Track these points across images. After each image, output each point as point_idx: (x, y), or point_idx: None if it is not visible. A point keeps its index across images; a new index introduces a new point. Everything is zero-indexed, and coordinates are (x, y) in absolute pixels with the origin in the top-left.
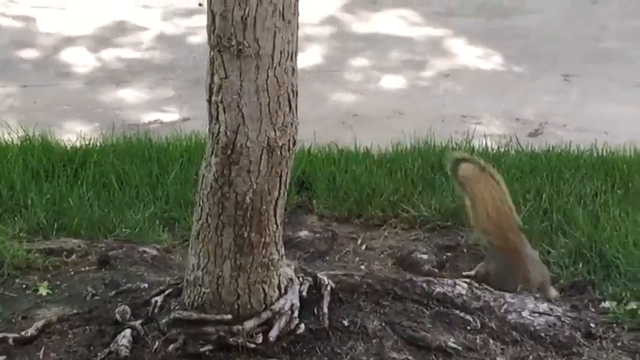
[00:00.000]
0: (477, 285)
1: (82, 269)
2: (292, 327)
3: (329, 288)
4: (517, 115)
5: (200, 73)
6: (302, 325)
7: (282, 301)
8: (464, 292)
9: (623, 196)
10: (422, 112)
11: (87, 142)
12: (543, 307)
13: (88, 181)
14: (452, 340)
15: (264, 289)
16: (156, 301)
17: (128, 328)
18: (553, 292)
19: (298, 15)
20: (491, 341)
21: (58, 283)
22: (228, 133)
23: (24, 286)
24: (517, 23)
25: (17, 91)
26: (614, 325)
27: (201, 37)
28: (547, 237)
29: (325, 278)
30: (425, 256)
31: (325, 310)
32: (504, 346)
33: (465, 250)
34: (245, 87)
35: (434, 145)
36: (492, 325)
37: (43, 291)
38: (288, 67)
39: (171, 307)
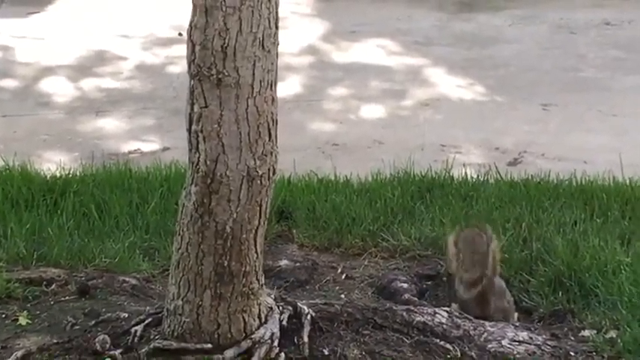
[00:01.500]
0: (457, 314)
1: (62, 299)
2: (272, 356)
3: (309, 317)
4: (496, 144)
5: (180, 103)
6: (282, 355)
7: (262, 330)
8: (444, 320)
9: (602, 225)
10: (401, 142)
11: (67, 172)
12: (523, 335)
13: (68, 211)
14: None
15: (244, 318)
16: (136, 331)
17: (108, 357)
18: (515, 318)
19: (278, 44)
20: None
21: (38, 312)
22: (208, 162)
23: (3, 315)
24: (496, 53)
25: None
26: (594, 353)
27: (181, 67)
28: (527, 266)
29: (305, 307)
30: (405, 285)
31: (305, 339)
32: None
33: (445, 278)
34: (225, 116)
35: (413, 174)
36: (472, 353)
37: (22, 321)
38: (268, 96)
39: (152, 337)
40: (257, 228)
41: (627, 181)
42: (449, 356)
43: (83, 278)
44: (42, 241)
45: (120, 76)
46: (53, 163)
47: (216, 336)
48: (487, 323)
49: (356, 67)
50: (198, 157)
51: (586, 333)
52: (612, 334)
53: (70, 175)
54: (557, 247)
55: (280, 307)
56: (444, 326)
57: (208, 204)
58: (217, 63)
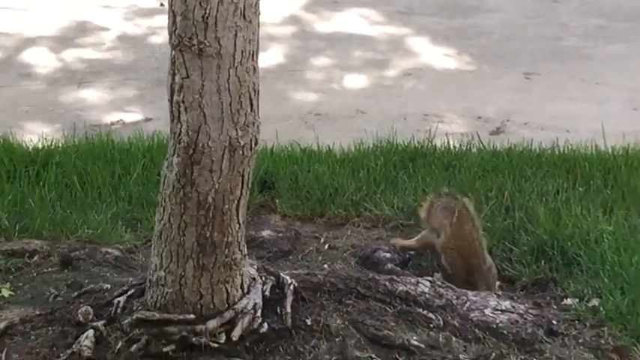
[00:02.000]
0: (439, 283)
1: (45, 270)
2: (255, 326)
3: (292, 287)
4: (479, 113)
5: (162, 73)
6: (265, 325)
7: (245, 300)
8: (426, 290)
9: (584, 194)
10: (384, 111)
11: (49, 143)
12: (506, 304)
13: (50, 182)
14: (415, 338)
15: (226, 289)
16: (118, 302)
17: (91, 328)
18: (496, 288)
19: (259, 14)
20: (454, 339)
21: (21, 284)
22: (190, 133)
23: None
24: (478, 22)
25: None
26: (576, 322)
27: (162, 37)
28: (509, 235)
29: (288, 277)
30: (387, 255)
31: (288, 309)
32: (467, 343)
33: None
34: (206, 86)
35: (396, 144)
36: (455, 322)
37: (5, 292)
38: (250, 66)
39: (134, 308)
40: (239, 198)
41: (609, 150)
42: (432, 325)
43: (66, 250)
44: (24, 212)
45: (102, 47)
46: (35, 134)
47: (198, 306)
48: (469, 292)
49: (338, 36)
50: (180, 128)
51: (568, 301)
52: (594, 302)
53: (52, 147)
54: (539, 216)
55: (263, 278)
56: (427, 295)
57: (190, 174)
58: (198, 33)
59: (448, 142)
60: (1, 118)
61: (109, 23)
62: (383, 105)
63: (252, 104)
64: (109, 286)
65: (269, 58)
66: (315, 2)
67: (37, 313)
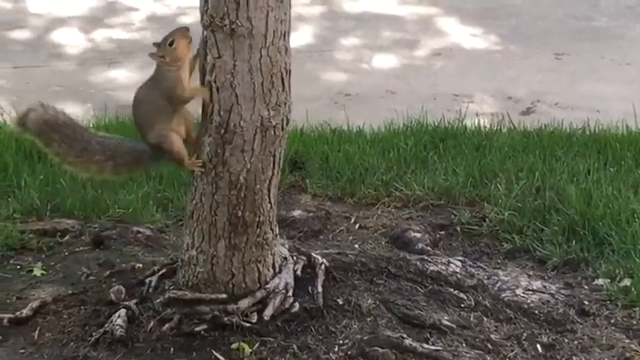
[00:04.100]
0: (470, 263)
1: (76, 249)
2: (287, 306)
3: (323, 267)
4: (509, 93)
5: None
6: (296, 304)
7: (276, 280)
8: (458, 270)
9: (615, 174)
10: (414, 91)
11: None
12: (537, 284)
13: None
14: (446, 317)
15: (258, 268)
16: (150, 281)
17: (123, 308)
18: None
19: None
20: (485, 319)
21: (53, 263)
22: (222, 113)
23: (18, 266)
24: (508, 2)
25: (9, 73)
26: (608, 302)
27: (192, 17)
28: (540, 215)
29: (319, 257)
30: (418, 235)
31: (319, 288)
32: (498, 323)
33: (459, 228)
34: (238, 66)
35: (426, 124)
36: (486, 302)
37: (37, 271)
38: (281, 46)
39: (166, 287)
40: (271, 178)
41: None
42: (463, 305)
43: (97, 229)
44: (55, 192)
45: (131, 27)
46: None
47: (230, 286)
48: (501, 272)
49: (367, 16)
50: (212, 108)
51: (600, 282)
52: (626, 282)
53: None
54: (570, 196)
55: (294, 257)
56: (458, 275)
57: (222, 154)
58: (230, 13)
59: (478, 122)
60: (31, 98)
61: (138, 3)
62: (413, 85)
63: (283, 84)
64: (140, 265)
65: (298, 38)
66: None
67: (70, 292)
